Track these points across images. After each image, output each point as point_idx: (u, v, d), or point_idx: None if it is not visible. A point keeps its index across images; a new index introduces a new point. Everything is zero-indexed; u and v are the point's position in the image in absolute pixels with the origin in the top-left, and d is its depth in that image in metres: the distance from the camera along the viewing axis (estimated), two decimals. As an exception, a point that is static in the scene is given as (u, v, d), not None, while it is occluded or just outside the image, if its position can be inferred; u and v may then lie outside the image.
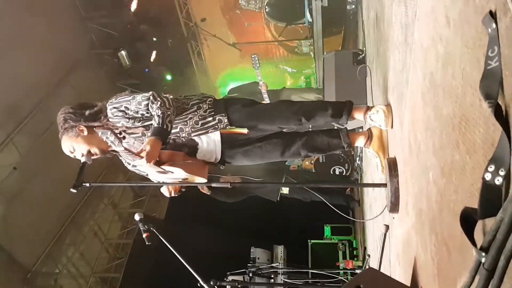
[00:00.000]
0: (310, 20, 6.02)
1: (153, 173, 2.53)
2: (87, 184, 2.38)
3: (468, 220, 0.94)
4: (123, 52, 8.38)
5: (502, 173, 0.78)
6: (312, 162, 6.84)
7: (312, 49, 6.61)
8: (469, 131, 1.00)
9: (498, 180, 0.79)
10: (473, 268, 0.94)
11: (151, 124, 2.43)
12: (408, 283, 1.80)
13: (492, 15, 0.84)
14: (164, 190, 2.69)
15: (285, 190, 5.47)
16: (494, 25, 0.82)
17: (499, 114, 0.79)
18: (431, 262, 1.44)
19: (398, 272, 2.28)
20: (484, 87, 0.84)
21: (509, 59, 0.79)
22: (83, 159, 2.47)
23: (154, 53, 8.99)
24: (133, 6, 8.36)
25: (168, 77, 9.42)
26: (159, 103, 2.37)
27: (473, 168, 0.98)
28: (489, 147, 0.87)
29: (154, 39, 8.99)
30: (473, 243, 0.91)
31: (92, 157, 2.53)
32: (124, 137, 2.49)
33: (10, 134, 6.48)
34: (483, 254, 0.86)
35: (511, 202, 0.72)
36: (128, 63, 8.48)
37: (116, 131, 2.48)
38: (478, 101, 0.93)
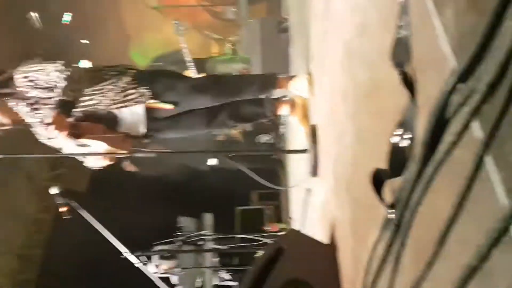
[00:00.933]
0: (236, -15, 5.94)
1: (70, 147, 2.40)
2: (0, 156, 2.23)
3: (378, 180, 1.00)
4: (34, 14, 7.72)
5: (408, 136, 0.84)
6: (240, 131, 6.92)
7: (237, 15, 6.55)
8: (381, 97, 1.06)
9: (405, 143, 0.85)
10: (383, 224, 1.02)
11: None
12: (327, 242, 1.91)
13: (403, -16, 0.87)
14: (94, 161, 2.52)
15: (212, 161, 5.56)
16: (404, -5, 0.86)
17: (407, 81, 0.85)
18: (347, 220, 1.54)
19: (319, 232, 2.41)
20: (394, 55, 0.89)
21: (417, 28, 0.83)
22: None
23: (69, 15, 8.38)
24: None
25: (84, 41, 8.86)
26: (68, 73, 2.25)
27: (383, 131, 1.04)
28: (398, 112, 0.93)
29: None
30: (382, 201, 0.98)
31: (2, 128, 2.35)
32: (37, 108, 2.32)
33: None
34: (390, 210, 0.93)
35: (415, 162, 0.78)
36: (40, 26, 7.85)
37: (29, 102, 2.30)
38: (389, 68, 0.98)
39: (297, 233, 1.80)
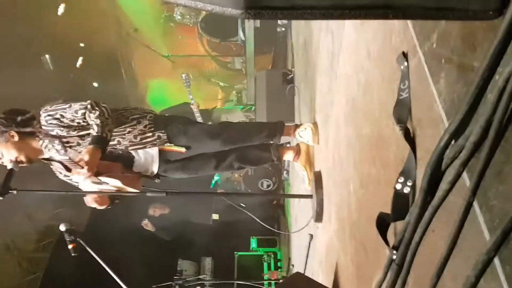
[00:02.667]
0: (243, 38, 6.25)
1: (87, 183, 2.49)
2: (14, 192, 2.31)
3: (382, 224, 1.11)
4: (47, 56, 8.02)
5: (409, 183, 0.96)
6: (241, 175, 7.02)
7: (244, 66, 6.83)
8: (384, 148, 1.18)
9: (407, 189, 0.96)
10: (386, 264, 1.11)
11: (87, 133, 2.41)
12: (330, 286, 1.97)
13: (404, 55, 1.02)
14: (90, 201, 2.59)
15: (215, 216, 5.82)
16: (406, 63, 1.01)
17: (408, 136, 0.98)
18: (351, 264, 1.62)
19: (321, 278, 2.47)
20: (396, 113, 1.02)
21: (416, 92, 0.97)
22: (10, 166, 2.38)
23: (80, 58, 8.70)
24: (60, 9, 8.06)
25: (95, 84, 9.15)
26: (97, 112, 2.35)
27: (386, 180, 1.16)
28: (400, 162, 1.05)
29: (82, 44, 8.70)
30: (387, 243, 1.08)
31: (20, 165, 2.46)
32: (70, 145, 2.44)
33: None
34: (394, 252, 1.03)
35: (416, 207, 0.90)
36: (51, 68, 8.13)
37: (60, 140, 2.42)
38: (392, 124, 1.11)
39: (303, 276, 1.86)
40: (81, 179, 2.45)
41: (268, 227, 4.04)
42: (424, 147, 0.93)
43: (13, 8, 7.49)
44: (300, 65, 4.03)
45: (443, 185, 0.78)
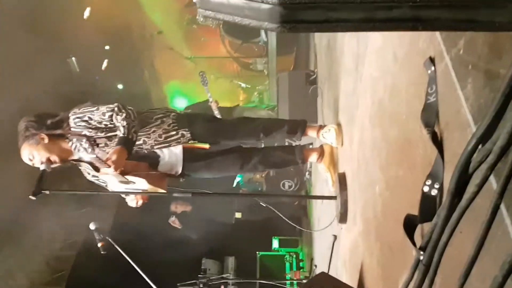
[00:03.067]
0: (265, 39, 6.29)
1: (114, 183, 2.59)
2: (47, 192, 2.40)
3: (409, 225, 1.13)
4: (73, 59, 8.22)
5: (437, 186, 0.98)
6: (263, 176, 7.06)
7: (266, 67, 6.87)
8: (411, 151, 1.20)
9: (434, 192, 0.99)
10: (413, 265, 1.13)
11: (114, 135, 2.50)
12: (355, 287, 2.00)
13: (432, 60, 1.05)
14: (131, 200, 2.73)
15: (238, 215, 5.88)
16: (433, 68, 1.04)
17: (435, 139, 1.00)
18: (376, 265, 1.64)
19: (345, 277, 2.49)
20: (424, 117, 1.05)
21: (444, 96, 1.00)
22: (42, 167, 2.48)
23: (105, 61, 8.89)
24: (86, 13, 8.25)
25: (119, 86, 9.33)
26: (124, 114, 2.44)
27: (413, 182, 1.19)
28: (427, 165, 1.07)
29: (107, 47, 8.89)
30: (414, 244, 1.11)
31: (52, 166, 2.55)
32: (98, 145, 2.53)
33: None
34: (421, 252, 1.05)
35: (444, 209, 0.92)
36: (77, 70, 8.33)
37: (88, 139, 2.52)
38: (419, 128, 1.13)
39: (328, 276, 1.89)
40: (109, 179, 2.54)
41: (294, 225, 4.06)
42: (451, 150, 0.95)
43: (40, 11, 7.71)
44: (323, 66, 4.05)
45: (471, 188, 0.81)
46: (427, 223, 1.05)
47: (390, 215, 1.44)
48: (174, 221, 5.67)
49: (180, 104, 6.46)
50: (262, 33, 6.33)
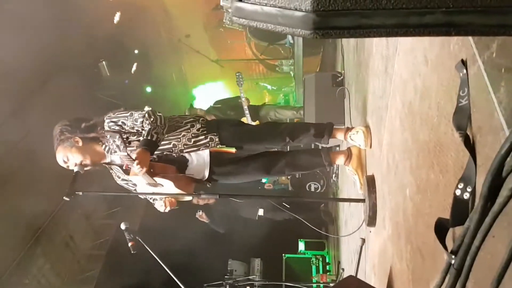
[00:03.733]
0: (292, 41, 6.30)
1: (143, 186, 2.65)
2: (80, 193, 2.48)
3: (440, 229, 1.13)
4: (104, 63, 8.44)
5: (469, 189, 0.98)
6: (288, 177, 7.05)
7: (292, 69, 6.87)
8: (443, 154, 1.20)
9: (466, 196, 0.98)
10: (444, 269, 1.13)
11: None
12: (384, 290, 1.98)
13: (464, 62, 1.04)
14: (160, 206, 2.80)
15: (260, 212, 5.88)
16: (464, 71, 1.03)
17: (467, 143, 0.99)
18: (406, 269, 1.63)
19: (374, 281, 2.47)
20: (456, 120, 1.04)
21: (476, 99, 0.99)
22: (75, 169, 2.57)
23: (135, 65, 9.08)
24: (116, 18, 8.46)
25: (148, 89, 9.52)
26: (152, 119, 2.51)
27: (445, 185, 1.18)
28: (459, 168, 1.07)
29: (136, 51, 9.09)
30: (445, 248, 1.10)
31: (85, 168, 2.64)
32: (129, 142, 2.60)
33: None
34: (453, 256, 1.05)
35: (476, 212, 0.91)
36: (108, 74, 8.54)
37: (121, 139, 2.59)
38: (451, 131, 1.13)
39: (356, 280, 1.88)
40: (138, 181, 2.61)
41: (317, 229, 4.05)
42: (484, 154, 0.94)
43: (71, 17, 7.95)
44: (350, 68, 4.03)
45: (504, 192, 0.80)
46: (459, 227, 1.04)
47: (420, 218, 1.43)
48: (201, 215, 5.70)
49: (206, 106, 6.55)
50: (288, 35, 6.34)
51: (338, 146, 4.31)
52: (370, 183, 2.38)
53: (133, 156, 2.55)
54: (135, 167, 2.37)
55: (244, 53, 8.47)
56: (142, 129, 2.53)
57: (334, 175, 5.55)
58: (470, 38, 1.03)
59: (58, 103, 7.47)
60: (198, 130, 2.72)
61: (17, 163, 6.53)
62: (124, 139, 2.56)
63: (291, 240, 6.55)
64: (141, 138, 2.59)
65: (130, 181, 2.73)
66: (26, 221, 7.18)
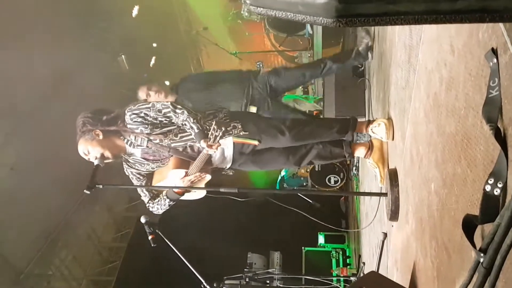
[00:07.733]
0: (311, 32, 6.20)
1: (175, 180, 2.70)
2: (100, 186, 2.49)
3: (468, 226, 1.08)
4: (123, 57, 8.48)
5: (500, 185, 0.92)
6: (308, 170, 6.99)
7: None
8: (471, 148, 1.14)
9: (497, 191, 0.93)
10: (472, 267, 1.08)
11: (170, 130, 2.56)
12: (407, 287, 1.93)
13: (494, 51, 0.98)
14: (197, 194, 2.85)
15: None
16: (495, 60, 0.97)
17: (498, 136, 0.94)
18: (431, 265, 1.58)
19: (396, 277, 2.42)
20: (485, 112, 0.99)
21: (507, 90, 0.93)
22: (96, 162, 2.58)
23: (153, 58, 9.11)
24: (135, 11, 8.48)
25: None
26: (184, 111, 2.51)
27: (473, 180, 1.13)
28: (489, 163, 1.02)
29: (154, 44, 9.11)
30: (473, 245, 1.05)
31: (105, 161, 2.65)
32: (150, 140, 2.61)
33: (8, 134, 6.47)
34: (482, 254, 1.00)
35: (508, 209, 0.87)
36: (127, 68, 8.58)
37: (146, 136, 2.61)
38: (479, 123, 1.07)
39: (378, 275, 1.84)
40: (173, 176, 2.65)
41: (331, 226, 3.97)
42: (517, 147, 0.89)
43: (91, 11, 8.01)
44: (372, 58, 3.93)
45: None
46: (488, 224, 0.99)
47: (446, 214, 1.37)
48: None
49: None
50: (308, 25, 6.24)
51: (363, 138, 4.24)
52: (393, 176, 2.32)
53: (159, 151, 2.60)
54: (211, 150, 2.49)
55: (263, 45, 8.38)
56: (166, 120, 2.54)
57: (354, 168, 5.48)
58: (501, 25, 0.97)
59: (78, 96, 7.56)
60: (220, 118, 2.71)
61: (40, 155, 6.62)
62: (147, 137, 2.57)
63: (311, 233, 6.52)
64: (165, 129, 2.58)
65: (142, 174, 2.77)
66: (49, 213, 7.32)
